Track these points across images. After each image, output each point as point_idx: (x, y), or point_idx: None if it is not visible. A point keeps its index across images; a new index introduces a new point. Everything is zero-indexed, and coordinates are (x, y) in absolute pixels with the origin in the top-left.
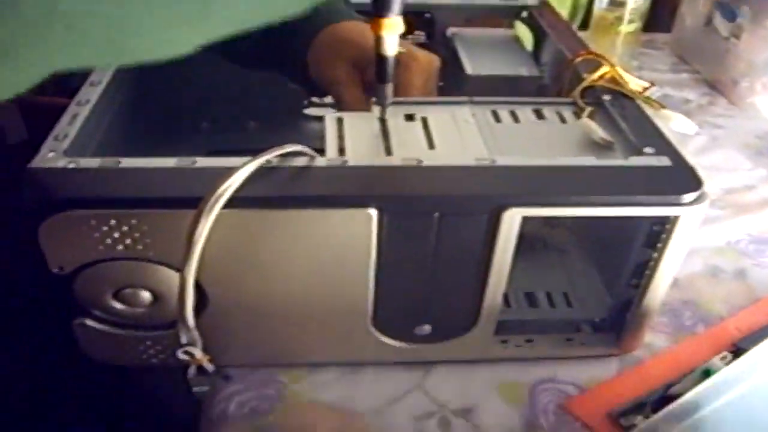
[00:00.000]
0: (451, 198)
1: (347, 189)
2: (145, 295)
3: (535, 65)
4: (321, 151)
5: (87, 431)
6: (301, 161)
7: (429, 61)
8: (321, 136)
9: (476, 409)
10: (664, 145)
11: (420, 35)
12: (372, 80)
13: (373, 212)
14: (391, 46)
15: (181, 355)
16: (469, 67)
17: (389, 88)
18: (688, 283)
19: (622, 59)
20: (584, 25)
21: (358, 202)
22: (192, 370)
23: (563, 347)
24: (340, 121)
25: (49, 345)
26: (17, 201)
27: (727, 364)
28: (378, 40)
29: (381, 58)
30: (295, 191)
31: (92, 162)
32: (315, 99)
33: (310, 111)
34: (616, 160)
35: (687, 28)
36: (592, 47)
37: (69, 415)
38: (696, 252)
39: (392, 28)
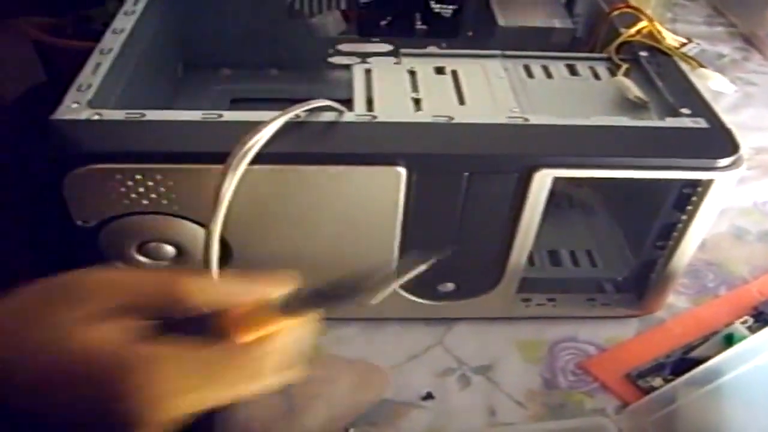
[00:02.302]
0: (481, 157)
1: (376, 146)
2: (169, 249)
3: (569, 17)
4: (347, 102)
5: None
6: (329, 116)
7: None
8: (347, 85)
9: (496, 367)
10: (702, 106)
11: None
12: None
13: (402, 170)
14: None
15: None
16: (501, 18)
17: None
18: (712, 244)
19: (656, 11)
20: None
21: (387, 160)
22: None
23: (585, 307)
24: (368, 72)
25: None
26: (40, 149)
27: (748, 327)
28: None
29: None
30: (322, 148)
31: (117, 114)
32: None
33: (335, 59)
34: (651, 121)
35: None
36: None
37: None
38: (722, 212)
39: None
